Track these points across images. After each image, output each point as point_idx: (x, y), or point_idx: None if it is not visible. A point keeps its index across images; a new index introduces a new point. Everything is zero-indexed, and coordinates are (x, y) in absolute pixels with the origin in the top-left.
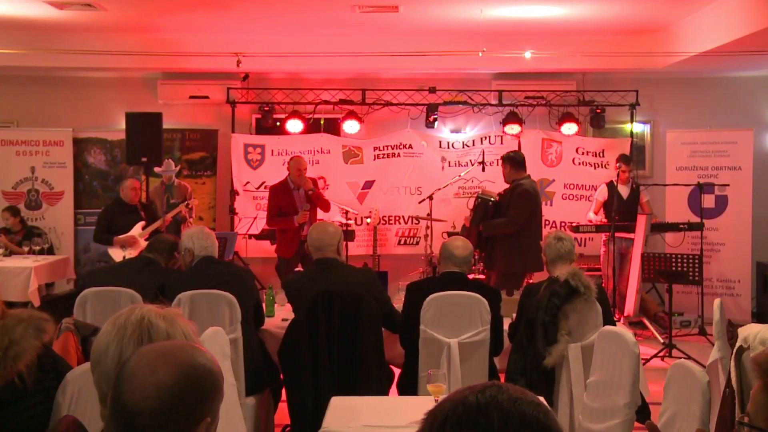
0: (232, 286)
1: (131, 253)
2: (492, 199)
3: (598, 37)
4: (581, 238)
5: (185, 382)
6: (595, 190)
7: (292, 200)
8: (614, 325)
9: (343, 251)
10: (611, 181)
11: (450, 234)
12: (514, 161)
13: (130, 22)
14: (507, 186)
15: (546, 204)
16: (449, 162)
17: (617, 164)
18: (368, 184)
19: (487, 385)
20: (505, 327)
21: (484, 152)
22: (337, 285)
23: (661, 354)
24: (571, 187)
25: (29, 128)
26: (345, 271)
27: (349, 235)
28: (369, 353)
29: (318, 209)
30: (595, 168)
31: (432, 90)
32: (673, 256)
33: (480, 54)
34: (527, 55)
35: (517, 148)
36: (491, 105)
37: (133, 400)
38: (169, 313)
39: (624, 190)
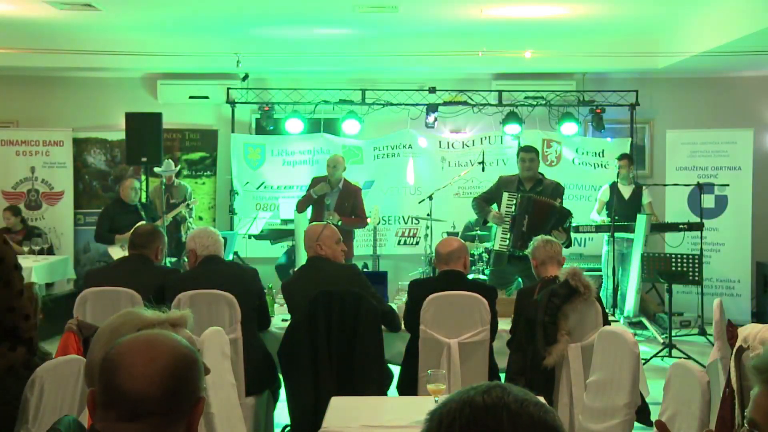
0: (234, 287)
1: None
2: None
3: (598, 37)
4: (581, 238)
5: (181, 365)
6: (595, 190)
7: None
8: (609, 324)
9: (326, 248)
10: (614, 182)
11: (449, 234)
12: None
13: (129, 22)
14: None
15: None
16: (449, 162)
17: (618, 161)
18: (368, 184)
19: (490, 385)
20: (504, 327)
21: (484, 152)
22: (324, 283)
23: (661, 354)
24: (571, 187)
25: (29, 128)
26: (332, 269)
27: (348, 234)
28: (369, 353)
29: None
30: (595, 168)
31: (432, 90)
32: (673, 256)
33: (480, 54)
34: (527, 55)
35: (516, 149)
36: (491, 105)
37: (135, 388)
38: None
39: (626, 191)
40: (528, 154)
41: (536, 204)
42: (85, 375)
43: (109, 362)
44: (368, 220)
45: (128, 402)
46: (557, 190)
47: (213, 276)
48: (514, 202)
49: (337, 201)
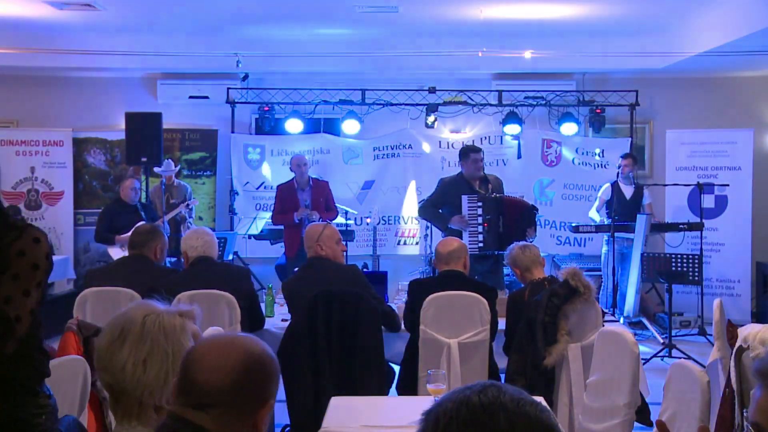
0: (223, 287)
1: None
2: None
3: (598, 37)
4: (581, 238)
5: (254, 364)
6: (595, 190)
7: (296, 199)
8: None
9: (326, 248)
10: (616, 182)
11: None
12: None
13: (130, 22)
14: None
15: (546, 204)
16: (449, 162)
17: (622, 159)
18: (368, 184)
19: (486, 384)
20: (503, 327)
21: (484, 152)
22: (325, 283)
23: (661, 354)
24: (571, 187)
25: (29, 128)
26: (333, 270)
27: (349, 235)
28: (369, 353)
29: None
30: (595, 168)
31: (432, 90)
32: (673, 256)
33: (480, 54)
34: (527, 55)
35: (516, 148)
36: (491, 105)
37: (204, 379)
38: (174, 324)
39: (627, 191)
40: (479, 154)
41: (506, 203)
42: (95, 363)
43: (190, 354)
44: (368, 221)
45: (196, 391)
46: (500, 183)
47: (202, 277)
48: (480, 204)
49: (312, 198)
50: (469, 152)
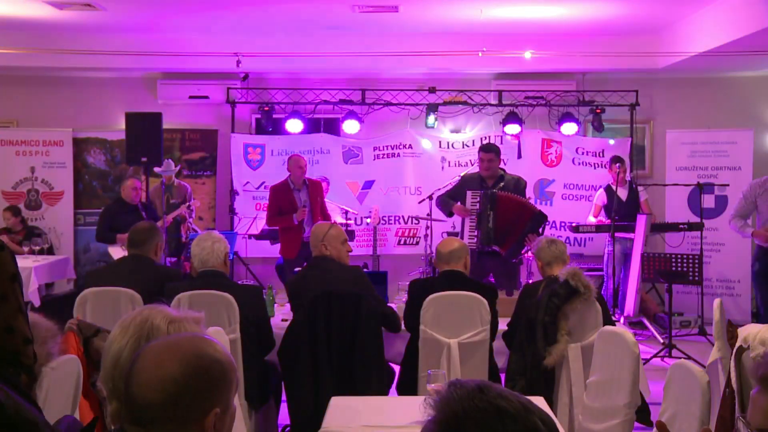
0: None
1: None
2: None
3: (598, 37)
4: (581, 238)
5: (190, 373)
6: (595, 190)
7: (293, 200)
8: (613, 324)
9: (331, 248)
10: (609, 185)
11: (449, 234)
12: (500, 152)
13: (130, 22)
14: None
15: (546, 204)
16: (449, 162)
17: (613, 165)
18: (368, 184)
19: (483, 386)
20: (503, 326)
21: (498, 152)
22: (327, 283)
23: (661, 354)
24: (571, 187)
25: (29, 128)
26: (336, 270)
27: (349, 235)
28: (369, 353)
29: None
30: (595, 168)
31: (432, 90)
32: (673, 256)
33: (480, 54)
34: (527, 55)
35: (516, 148)
36: (491, 105)
37: (140, 394)
38: (178, 318)
39: (622, 192)
40: (487, 154)
41: (500, 199)
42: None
43: (131, 365)
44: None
45: (133, 406)
46: (519, 184)
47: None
48: (478, 199)
49: (309, 198)
50: (479, 150)
